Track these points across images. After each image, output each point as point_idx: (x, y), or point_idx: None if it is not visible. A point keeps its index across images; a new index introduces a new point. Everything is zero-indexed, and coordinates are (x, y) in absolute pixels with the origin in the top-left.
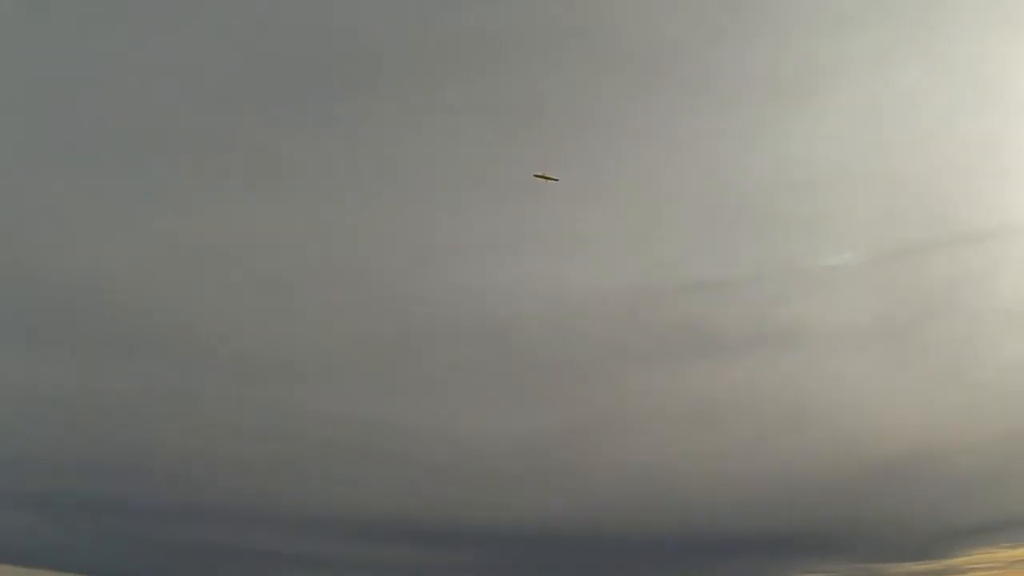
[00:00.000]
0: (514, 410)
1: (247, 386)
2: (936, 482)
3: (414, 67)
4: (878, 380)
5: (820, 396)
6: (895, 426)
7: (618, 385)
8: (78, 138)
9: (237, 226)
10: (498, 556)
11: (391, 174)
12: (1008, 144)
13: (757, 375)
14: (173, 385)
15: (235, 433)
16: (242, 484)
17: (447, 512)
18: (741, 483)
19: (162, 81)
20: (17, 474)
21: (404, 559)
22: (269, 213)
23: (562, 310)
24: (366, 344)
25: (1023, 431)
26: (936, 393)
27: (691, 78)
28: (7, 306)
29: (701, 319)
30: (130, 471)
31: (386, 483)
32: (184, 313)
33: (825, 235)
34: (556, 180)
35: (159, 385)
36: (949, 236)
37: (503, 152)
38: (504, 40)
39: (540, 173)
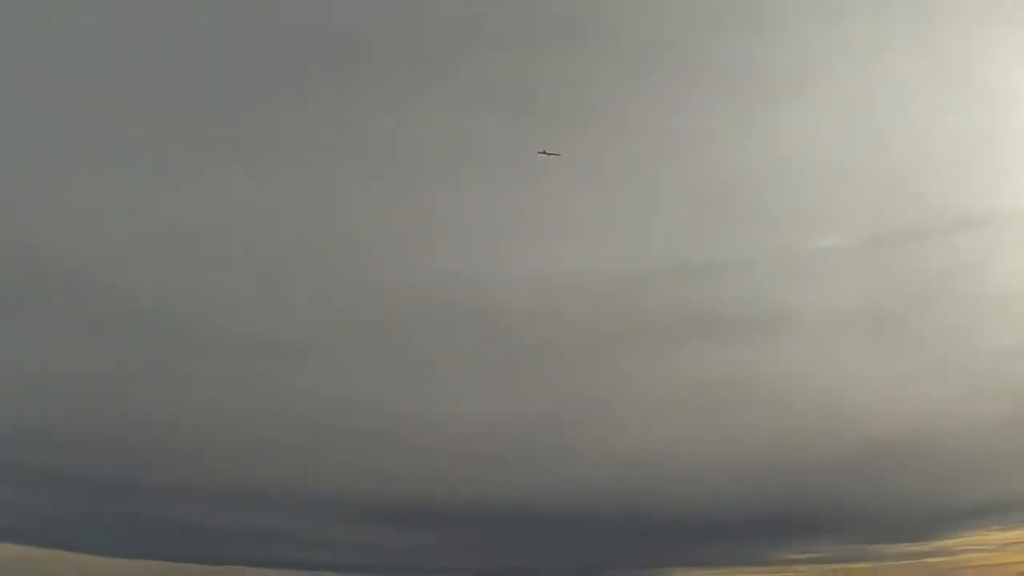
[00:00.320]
0: (503, 394)
1: (234, 365)
2: (927, 466)
3: (409, 52)
4: (869, 365)
5: (811, 380)
6: (886, 410)
7: (608, 369)
8: (71, 122)
9: (229, 208)
10: (484, 537)
11: (383, 158)
12: (998, 138)
13: (748, 360)
14: (160, 364)
15: (221, 412)
16: (228, 463)
17: (433, 493)
18: (732, 466)
19: (155, 64)
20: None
21: (389, 539)
22: (261, 196)
23: (553, 294)
24: (355, 326)
25: (1013, 416)
26: (926, 378)
27: (685, 68)
28: None
29: (692, 304)
30: (116, 449)
31: (373, 464)
32: (174, 294)
33: (816, 223)
34: (558, 155)
35: (146, 364)
36: (939, 225)
37: (496, 138)
38: (501, 28)
39: (543, 150)
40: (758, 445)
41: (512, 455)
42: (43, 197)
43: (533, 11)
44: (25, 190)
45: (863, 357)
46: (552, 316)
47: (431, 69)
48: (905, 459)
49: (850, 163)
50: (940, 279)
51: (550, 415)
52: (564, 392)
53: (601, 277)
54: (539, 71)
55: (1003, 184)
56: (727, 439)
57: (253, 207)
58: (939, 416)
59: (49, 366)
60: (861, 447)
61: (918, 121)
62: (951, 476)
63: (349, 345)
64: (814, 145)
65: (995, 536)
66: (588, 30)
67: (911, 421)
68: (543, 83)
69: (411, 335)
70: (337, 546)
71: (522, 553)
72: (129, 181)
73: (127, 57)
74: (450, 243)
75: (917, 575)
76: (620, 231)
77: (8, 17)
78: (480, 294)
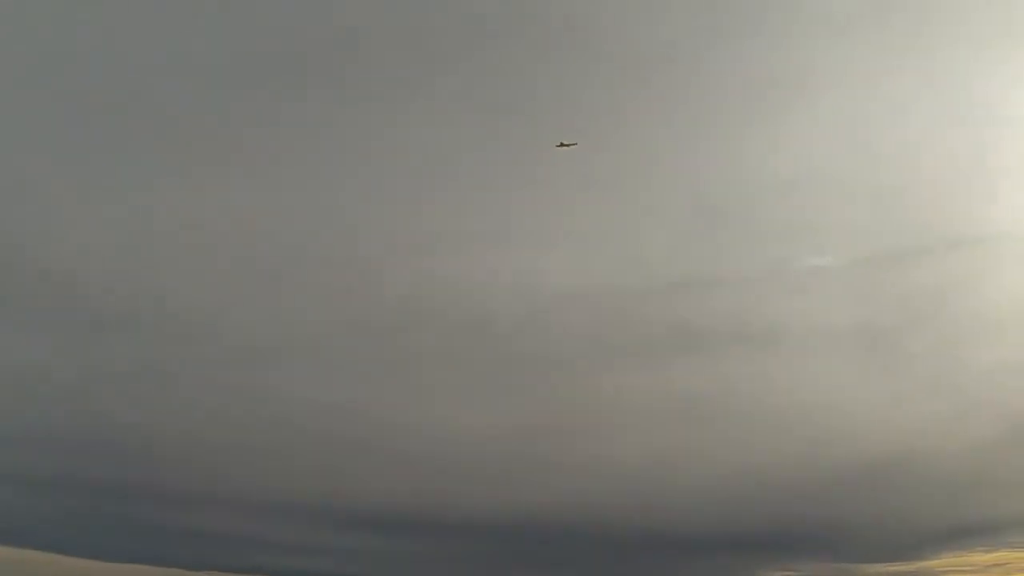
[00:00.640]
0: (494, 404)
1: (228, 369)
2: (912, 485)
3: (402, 58)
4: (857, 383)
5: (800, 397)
6: (876, 428)
7: (598, 381)
8: (70, 122)
9: (228, 209)
10: (472, 547)
11: (376, 164)
12: (992, 156)
13: (738, 375)
14: (152, 367)
15: (216, 417)
16: (223, 469)
17: (422, 502)
18: (719, 481)
19: (155, 64)
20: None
21: (377, 547)
22: (253, 200)
23: (545, 305)
24: (346, 332)
25: (1000, 437)
26: (916, 396)
27: (680, 80)
28: None
29: (683, 318)
30: (105, 451)
31: (363, 472)
32: (166, 298)
33: (808, 239)
34: (575, 144)
35: (137, 367)
36: (932, 243)
37: (489, 146)
38: (496, 36)
39: (562, 142)
40: (746, 461)
41: (501, 465)
42: (43, 197)
43: (532, 24)
44: (24, 190)
45: (854, 374)
46: (544, 327)
47: (424, 80)
48: (893, 478)
49: (845, 180)
50: (932, 297)
51: (541, 426)
52: (555, 403)
53: (594, 289)
54: (535, 84)
55: (996, 202)
56: (714, 455)
57: (251, 209)
58: (928, 435)
59: (31, 367)
60: (849, 465)
61: (912, 138)
62: (935, 496)
63: (341, 352)
64: (809, 161)
65: (980, 557)
66: (584, 42)
67: (900, 439)
68: (538, 96)
69: (401, 343)
70: (328, 553)
71: (508, 565)
72: (128, 181)
73: (127, 57)
74: (442, 252)
75: None
76: (614, 243)
77: (8, 17)
78: (472, 304)
